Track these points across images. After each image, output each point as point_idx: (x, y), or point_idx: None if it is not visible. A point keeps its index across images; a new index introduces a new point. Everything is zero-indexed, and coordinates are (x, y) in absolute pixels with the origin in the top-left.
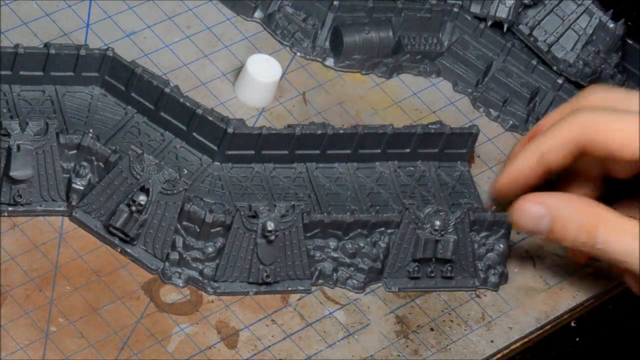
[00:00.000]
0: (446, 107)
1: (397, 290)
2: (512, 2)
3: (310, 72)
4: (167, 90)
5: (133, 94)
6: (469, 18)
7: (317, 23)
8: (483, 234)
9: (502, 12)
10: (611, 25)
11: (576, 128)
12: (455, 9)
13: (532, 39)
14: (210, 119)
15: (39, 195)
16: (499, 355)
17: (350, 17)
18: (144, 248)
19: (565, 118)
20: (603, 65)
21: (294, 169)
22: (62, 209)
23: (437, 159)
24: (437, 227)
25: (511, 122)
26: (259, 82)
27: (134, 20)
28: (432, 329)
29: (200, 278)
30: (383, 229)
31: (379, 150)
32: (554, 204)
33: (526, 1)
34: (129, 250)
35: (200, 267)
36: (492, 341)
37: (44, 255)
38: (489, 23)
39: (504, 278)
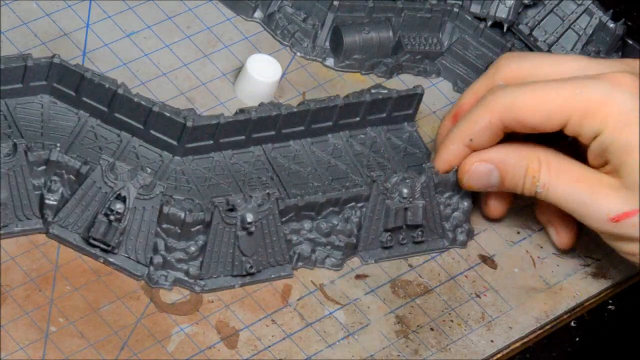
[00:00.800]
0: (446, 107)
1: (373, 261)
2: (512, 2)
3: (310, 72)
4: (120, 91)
5: (84, 98)
6: (469, 18)
7: (317, 23)
8: (447, 194)
9: (502, 12)
10: (611, 25)
11: (497, 111)
12: (455, 9)
13: (532, 39)
14: (168, 115)
15: (14, 216)
16: (499, 355)
17: (350, 17)
18: (127, 255)
19: (484, 101)
20: None
21: (251, 153)
22: (38, 226)
23: (385, 123)
24: (405, 195)
25: None
26: (259, 82)
27: (134, 20)
28: (432, 329)
29: (187, 278)
30: (353, 203)
31: (330, 123)
32: (499, 157)
33: (526, 1)
34: (111, 260)
35: (185, 267)
36: (492, 341)
37: (44, 255)
38: (489, 23)
39: (470, 235)
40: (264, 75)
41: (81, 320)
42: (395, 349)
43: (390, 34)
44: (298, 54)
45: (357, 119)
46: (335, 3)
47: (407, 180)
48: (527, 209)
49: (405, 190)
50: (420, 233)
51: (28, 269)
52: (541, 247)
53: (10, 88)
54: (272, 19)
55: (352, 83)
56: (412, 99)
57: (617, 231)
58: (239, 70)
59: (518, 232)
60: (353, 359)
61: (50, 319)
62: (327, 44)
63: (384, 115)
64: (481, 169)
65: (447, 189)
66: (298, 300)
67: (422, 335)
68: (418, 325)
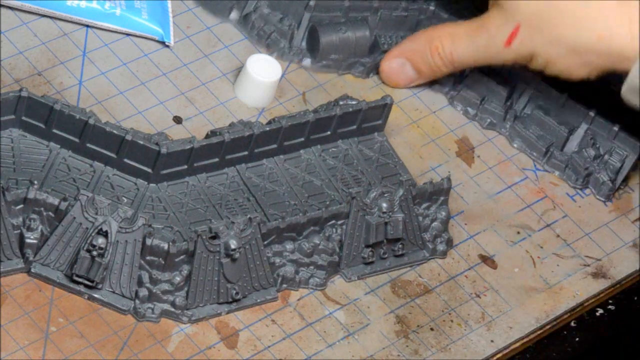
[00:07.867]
0: (446, 107)
1: (356, 279)
2: None
3: (310, 72)
4: (92, 121)
5: (55, 130)
6: (445, 16)
7: (294, 23)
8: (424, 205)
9: None
10: None
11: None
12: (432, 8)
13: None
14: (141, 142)
15: None
16: (499, 355)
17: (326, 17)
18: (111, 290)
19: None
20: None
21: (226, 175)
22: (19, 266)
23: (355, 134)
24: (384, 210)
25: (489, 120)
26: (259, 82)
27: None
28: (432, 329)
29: (173, 309)
30: (334, 221)
31: (302, 139)
32: (405, 47)
33: None
34: (96, 296)
35: (171, 298)
36: (492, 341)
37: None
38: None
39: (450, 244)
40: (264, 75)
41: (81, 320)
42: (395, 349)
43: (367, 33)
44: (274, 54)
45: (328, 132)
46: (312, 3)
47: (386, 195)
48: (527, 209)
49: (384, 205)
50: (400, 246)
51: None
52: (541, 247)
53: None
54: (248, 20)
55: (353, 83)
56: (382, 109)
57: (517, 54)
58: (239, 70)
59: (518, 232)
60: (353, 359)
61: (50, 319)
62: (304, 44)
63: (354, 127)
64: (394, 64)
65: (424, 200)
66: (298, 300)
67: (422, 335)
68: (418, 325)
